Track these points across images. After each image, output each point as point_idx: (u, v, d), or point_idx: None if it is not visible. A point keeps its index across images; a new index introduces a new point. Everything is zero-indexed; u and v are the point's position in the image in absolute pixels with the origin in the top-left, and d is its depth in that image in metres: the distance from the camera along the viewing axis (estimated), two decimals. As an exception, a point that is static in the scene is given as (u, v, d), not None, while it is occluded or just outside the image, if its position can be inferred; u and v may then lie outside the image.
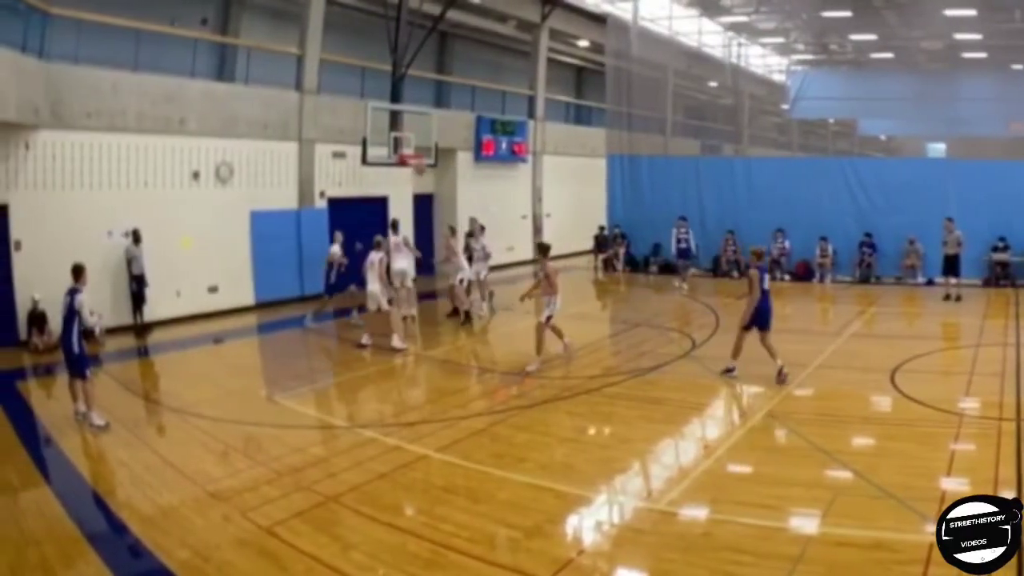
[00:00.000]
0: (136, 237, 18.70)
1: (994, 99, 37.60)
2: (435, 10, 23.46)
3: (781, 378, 13.12)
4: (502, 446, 10.66)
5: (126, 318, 18.90)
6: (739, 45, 44.47)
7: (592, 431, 11.85)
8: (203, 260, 20.43)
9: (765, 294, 13.49)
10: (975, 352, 15.36)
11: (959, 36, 37.18)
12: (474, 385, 14.80)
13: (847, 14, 36.02)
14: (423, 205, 28.62)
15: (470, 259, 20.16)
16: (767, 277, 13.71)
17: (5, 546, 7.69)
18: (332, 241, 19.60)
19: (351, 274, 19.00)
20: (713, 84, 46.47)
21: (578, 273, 30.16)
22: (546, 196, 34.15)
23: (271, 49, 23.48)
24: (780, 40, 44.26)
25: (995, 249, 24.16)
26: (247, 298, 21.86)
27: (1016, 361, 14.27)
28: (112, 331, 18.40)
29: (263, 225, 22.00)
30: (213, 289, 20.95)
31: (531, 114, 33.44)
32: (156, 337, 18.71)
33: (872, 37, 40.01)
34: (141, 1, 19.80)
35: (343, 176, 24.40)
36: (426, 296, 24.15)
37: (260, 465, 10.08)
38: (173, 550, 7.63)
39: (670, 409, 12.42)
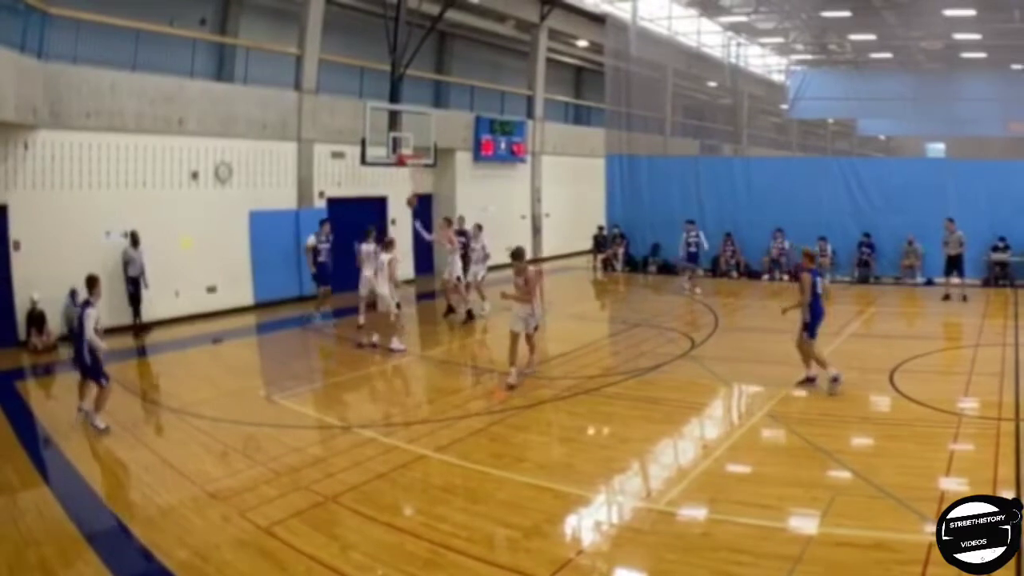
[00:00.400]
0: (134, 239, 18.64)
1: (993, 99, 37.59)
2: (434, 10, 23.46)
3: (833, 384, 12.65)
4: (501, 446, 10.67)
5: (124, 318, 18.85)
6: (738, 45, 44.46)
7: (591, 431, 11.85)
8: (202, 260, 20.42)
9: (817, 298, 12.99)
10: (974, 352, 15.38)
11: (958, 36, 37.16)
12: (473, 385, 14.81)
13: (846, 14, 36.01)
14: (422, 205, 28.52)
15: (466, 259, 20.13)
16: (820, 281, 13.09)
17: (4, 546, 7.69)
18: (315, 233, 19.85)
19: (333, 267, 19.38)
20: (712, 84, 46.46)
21: (577, 273, 30.18)
22: (545, 196, 34.13)
23: (270, 49, 23.47)
24: (779, 40, 44.21)
25: (995, 249, 24.17)
26: (246, 298, 21.84)
27: (1015, 361, 14.29)
28: (110, 331, 18.38)
29: (262, 225, 21.97)
30: (212, 289, 20.92)
31: (530, 114, 33.42)
32: (155, 337, 18.68)
33: (871, 37, 40.00)
34: (140, 1, 19.79)
35: (342, 176, 24.39)
36: (425, 296, 24.18)
37: (259, 465, 10.08)
38: (172, 550, 7.63)
39: (669, 409, 12.42)
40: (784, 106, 47.80)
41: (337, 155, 23.99)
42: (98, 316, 11.89)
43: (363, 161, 21.10)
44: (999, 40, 36.07)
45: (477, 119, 29.79)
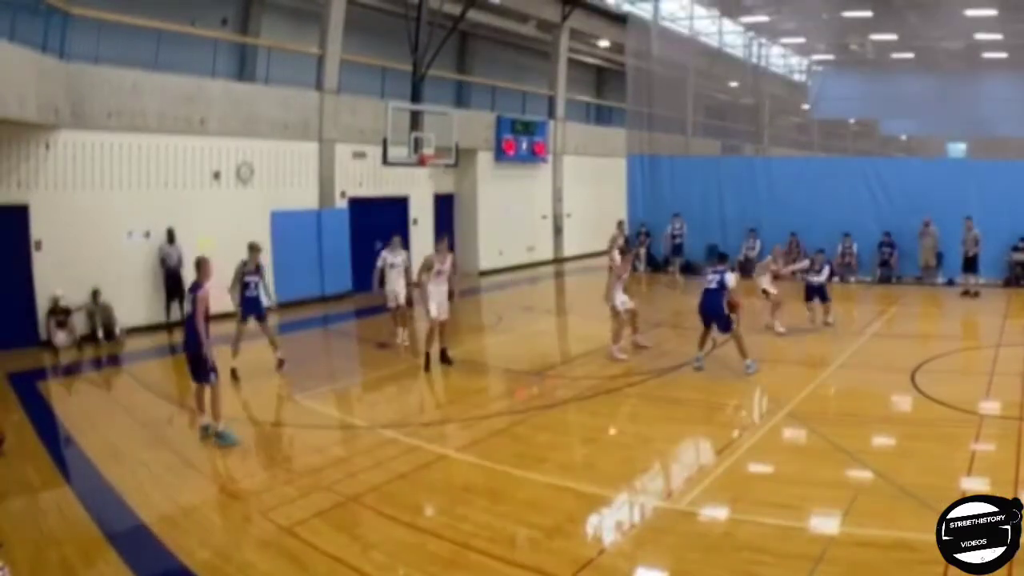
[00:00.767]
0: (170, 236, 19.12)
1: (1015, 99, 37.33)
2: (455, 10, 23.43)
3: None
4: (522, 446, 10.66)
5: (152, 317, 19.03)
6: (759, 45, 44.27)
7: (613, 431, 11.82)
8: (223, 260, 20.33)
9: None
10: (995, 352, 15.25)
11: (979, 36, 36.90)
12: (494, 385, 14.81)
13: (867, 14, 35.79)
14: (444, 205, 28.66)
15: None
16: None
17: (26, 546, 7.72)
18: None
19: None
20: (734, 84, 46.22)
21: (599, 273, 30.11)
22: (566, 196, 34.04)
23: (291, 49, 23.56)
24: (800, 40, 44.03)
25: (1015, 249, 23.99)
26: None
27: (1037, 361, 14.16)
28: (134, 331, 18.51)
29: (284, 225, 22.04)
30: (234, 290, 20.95)
31: (551, 114, 33.39)
32: (179, 337, 18.73)
33: (892, 37, 39.75)
34: (161, 1, 19.92)
35: (364, 176, 24.45)
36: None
37: (280, 465, 10.13)
38: (194, 550, 7.64)
39: (691, 409, 12.40)
40: (806, 106, 47.59)
41: (358, 155, 24.02)
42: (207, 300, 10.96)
43: (385, 161, 21.05)
44: (1021, 40, 35.82)
45: (498, 119, 29.73)
